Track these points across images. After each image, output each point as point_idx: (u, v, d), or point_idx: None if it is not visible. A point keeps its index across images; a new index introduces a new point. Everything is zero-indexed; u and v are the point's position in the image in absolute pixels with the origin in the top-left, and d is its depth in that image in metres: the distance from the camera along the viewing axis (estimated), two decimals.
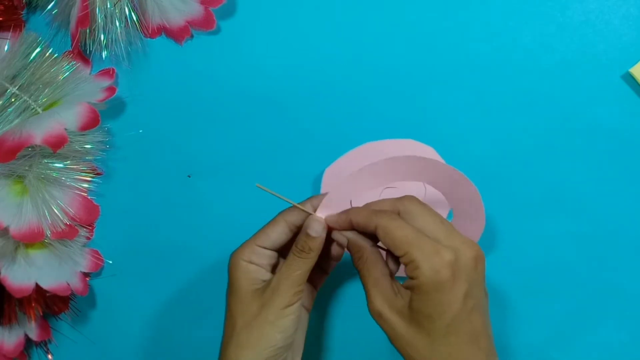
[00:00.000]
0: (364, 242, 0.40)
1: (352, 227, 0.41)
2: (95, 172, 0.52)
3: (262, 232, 0.42)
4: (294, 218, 0.42)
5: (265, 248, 0.42)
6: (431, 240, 0.37)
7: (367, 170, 0.41)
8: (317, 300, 0.49)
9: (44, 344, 0.53)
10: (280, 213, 0.43)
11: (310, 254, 0.40)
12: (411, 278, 0.37)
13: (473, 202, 0.43)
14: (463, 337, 0.37)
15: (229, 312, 0.41)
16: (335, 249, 0.44)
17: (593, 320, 0.49)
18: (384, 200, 0.41)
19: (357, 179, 0.41)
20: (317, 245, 0.41)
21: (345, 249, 0.42)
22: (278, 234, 0.42)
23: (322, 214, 0.42)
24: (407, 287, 0.38)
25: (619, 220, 0.48)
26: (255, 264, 0.41)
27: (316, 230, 0.41)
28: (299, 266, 0.40)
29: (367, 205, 0.41)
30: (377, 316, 0.38)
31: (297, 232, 0.42)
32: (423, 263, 0.36)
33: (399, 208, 0.39)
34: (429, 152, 0.49)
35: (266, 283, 0.41)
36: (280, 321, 0.39)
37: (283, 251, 0.43)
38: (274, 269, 0.43)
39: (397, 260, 0.41)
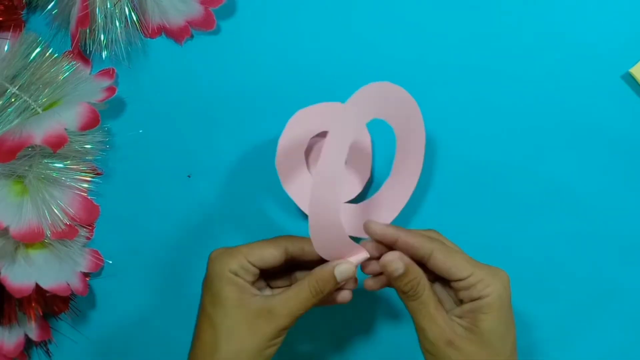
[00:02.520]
0: (419, 269, 0.38)
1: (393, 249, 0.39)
2: (95, 172, 0.52)
3: (257, 250, 0.40)
4: (295, 247, 0.40)
5: (254, 266, 0.40)
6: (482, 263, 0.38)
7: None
8: None
9: (44, 344, 0.53)
10: (283, 238, 0.41)
11: (323, 292, 0.39)
12: (477, 299, 0.37)
13: (407, 104, 0.41)
14: (516, 357, 0.38)
15: (209, 323, 0.38)
16: (345, 295, 0.42)
17: (593, 320, 0.49)
18: (414, 230, 0.40)
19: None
20: (334, 288, 0.39)
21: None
22: (273, 258, 0.40)
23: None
24: (467, 311, 0.37)
25: (619, 220, 0.48)
26: (242, 278, 0.39)
27: (343, 277, 0.39)
28: (306, 304, 0.38)
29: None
30: (446, 344, 0.37)
31: (289, 259, 0.41)
32: (492, 280, 0.37)
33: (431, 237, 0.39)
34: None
35: (259, 305, 0.38)
36: (267, 350, 0.38)
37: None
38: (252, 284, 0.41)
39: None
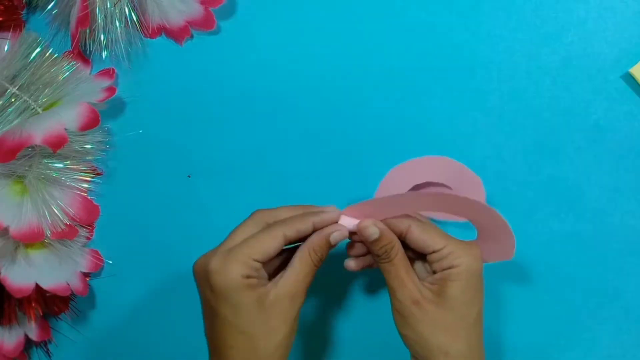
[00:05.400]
0: (394, 235, 0.41)
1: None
2: (95, 172, 0.52)
3: (259, 246, 0.39)
4: (292, 232, 0.40)
5: (259, 262, 0.39)
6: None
7: (396, 199, 0.41)
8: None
9: (44, 344, 0.53)
10: (276, 225, 0.40)
11: (322, 259, 0.41)
12: (447, 268, 0.40)
13: (502, 230, 0.42)
14: (481, 327, 0.41)
15: (239, 331, 0.38)
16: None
17: (593, 321, 0.49)
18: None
19: (385, 204, 0.41)
20: (330, 250, 0.41)
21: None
22: (275, 250, 0.39)
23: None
24: (437, 279, 0.40)
25: (619, 220, 0.48)
26: (254, 278, 0.39)
27: (337, 241, 0.41)
28: (313, 274, 0.40)
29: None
30: (413, 303, 0.39)
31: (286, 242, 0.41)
32: (463, 253, 0.40)
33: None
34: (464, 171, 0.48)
35: (275, 294, 0.39)
36: (296, 323, 0.40)
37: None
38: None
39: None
